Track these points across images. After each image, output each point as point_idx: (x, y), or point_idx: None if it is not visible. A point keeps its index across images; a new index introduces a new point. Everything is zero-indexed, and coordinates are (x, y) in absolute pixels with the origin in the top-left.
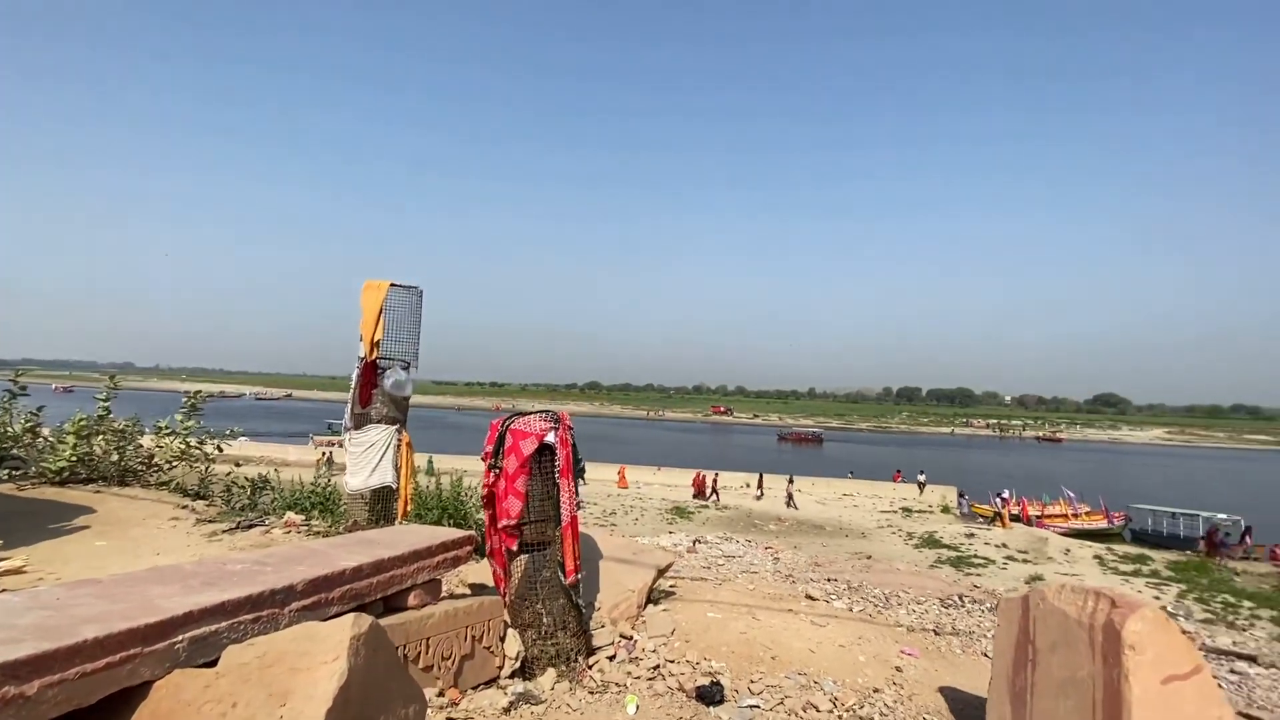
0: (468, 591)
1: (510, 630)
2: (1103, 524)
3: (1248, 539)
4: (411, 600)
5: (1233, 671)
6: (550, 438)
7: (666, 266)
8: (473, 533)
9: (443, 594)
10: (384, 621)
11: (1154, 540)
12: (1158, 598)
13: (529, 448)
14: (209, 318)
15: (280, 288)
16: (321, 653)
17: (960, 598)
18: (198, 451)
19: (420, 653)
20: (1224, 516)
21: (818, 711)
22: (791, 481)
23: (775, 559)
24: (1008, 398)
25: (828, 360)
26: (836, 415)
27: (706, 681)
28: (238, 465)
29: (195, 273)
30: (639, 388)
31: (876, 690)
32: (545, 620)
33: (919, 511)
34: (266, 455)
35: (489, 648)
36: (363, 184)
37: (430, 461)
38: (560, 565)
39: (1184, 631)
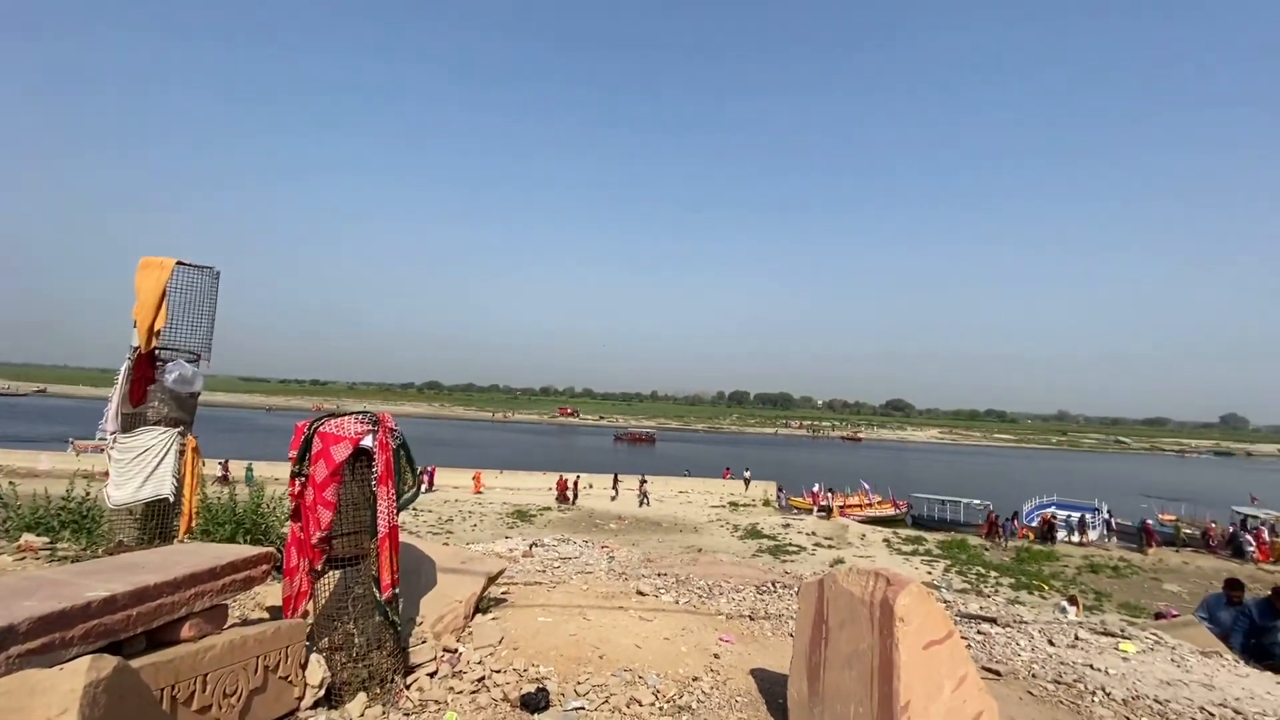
0: (265, 616)
1: (314, 655)
2: (891, 511)
3: (1015, 522)
4: (186, 632)
5: (979, 632)
6: (367, 441)
7: (517, 269)
8: (271, 550)
9: (233, 620)
10: (144, 660)
11: (929, 524)
12: (929, 573)
13: (341, 453)
14: None
15: (25, 263)
16: (42, 708)
17: (773, 584)
18: None
19: (195, 692)
20: (978, 502)
21: (640, 706)
22: (645, 481)
23: (610, 557)
24: (820, 401)
25: (668, 365)
26: (675, 417)
27: (532, 688)
28: None
29: None
30: (483, 388)
31: (695, 679)
32: (357, 640)
33: (744, 505)
34: (7, 464)
35: (286, 677)
36: (143, 145)
37: (250, 470)
38: (375, 580)
39: (944, 602)
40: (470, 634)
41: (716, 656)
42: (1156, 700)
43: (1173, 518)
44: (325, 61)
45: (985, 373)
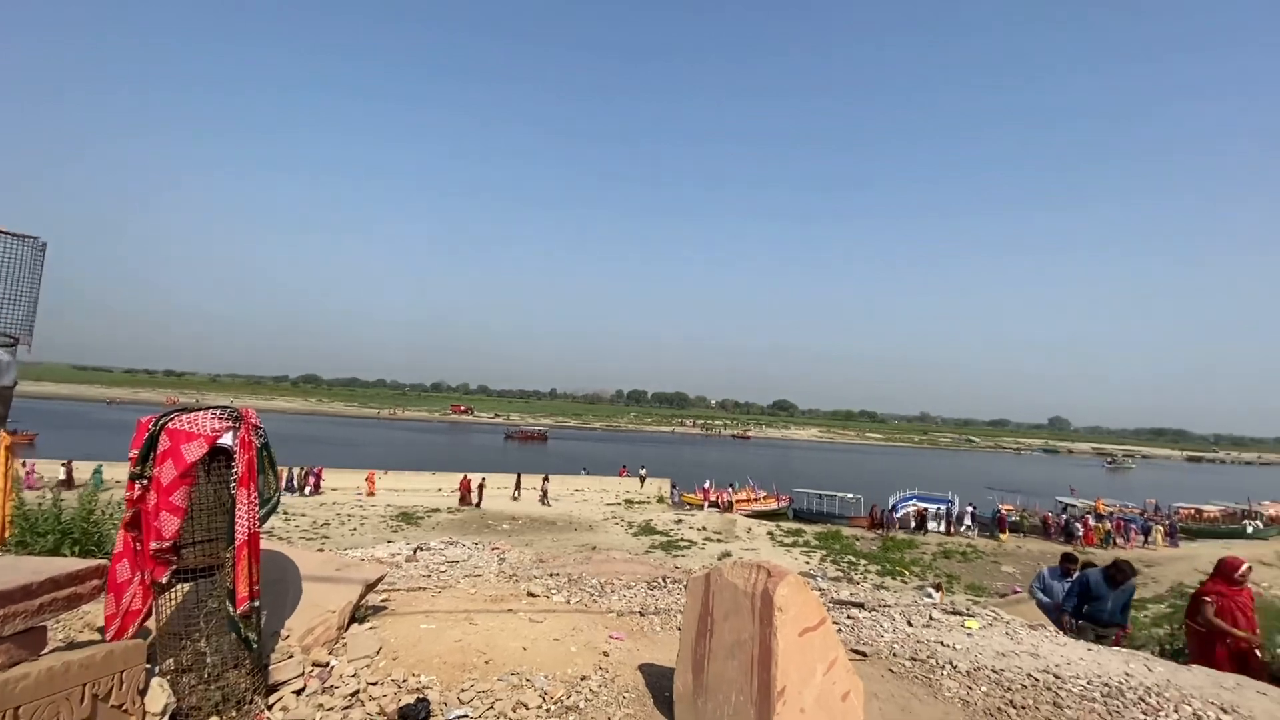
0: (96, 638)
1: (156, 680)
2: (775, 506)
3: (893, 514)
4: None
5: (849, 617)
6: (227, 439)
7: (407, 256)
8: (102, 563)
9: (55, 644)
10: None
11: (809, 517)
12: (807, 563)
13: (194, 452)
14: None
15: None
16: None
17: (664, 579)
18: None
19: None
20: (851, 496)
21: (527, 709)
22: (547, 480)
23: (501, 559)
24: (714, 401)
25: (569, 364)
26: (574, 415)
27: (412, 699)
28: None
29: None
30: (368, 383)
31: (584, 678)
32: (210, 660)
33: (639, 502)
34: None
35: (121, 706)
36: None
37: (98, 472)
38: (230, 592)
39: (819, 590)
40: (344, 646)
41: (606, 654)
42: (994, 670)
43: (1010, 507)
44: None
45: (860, 376)
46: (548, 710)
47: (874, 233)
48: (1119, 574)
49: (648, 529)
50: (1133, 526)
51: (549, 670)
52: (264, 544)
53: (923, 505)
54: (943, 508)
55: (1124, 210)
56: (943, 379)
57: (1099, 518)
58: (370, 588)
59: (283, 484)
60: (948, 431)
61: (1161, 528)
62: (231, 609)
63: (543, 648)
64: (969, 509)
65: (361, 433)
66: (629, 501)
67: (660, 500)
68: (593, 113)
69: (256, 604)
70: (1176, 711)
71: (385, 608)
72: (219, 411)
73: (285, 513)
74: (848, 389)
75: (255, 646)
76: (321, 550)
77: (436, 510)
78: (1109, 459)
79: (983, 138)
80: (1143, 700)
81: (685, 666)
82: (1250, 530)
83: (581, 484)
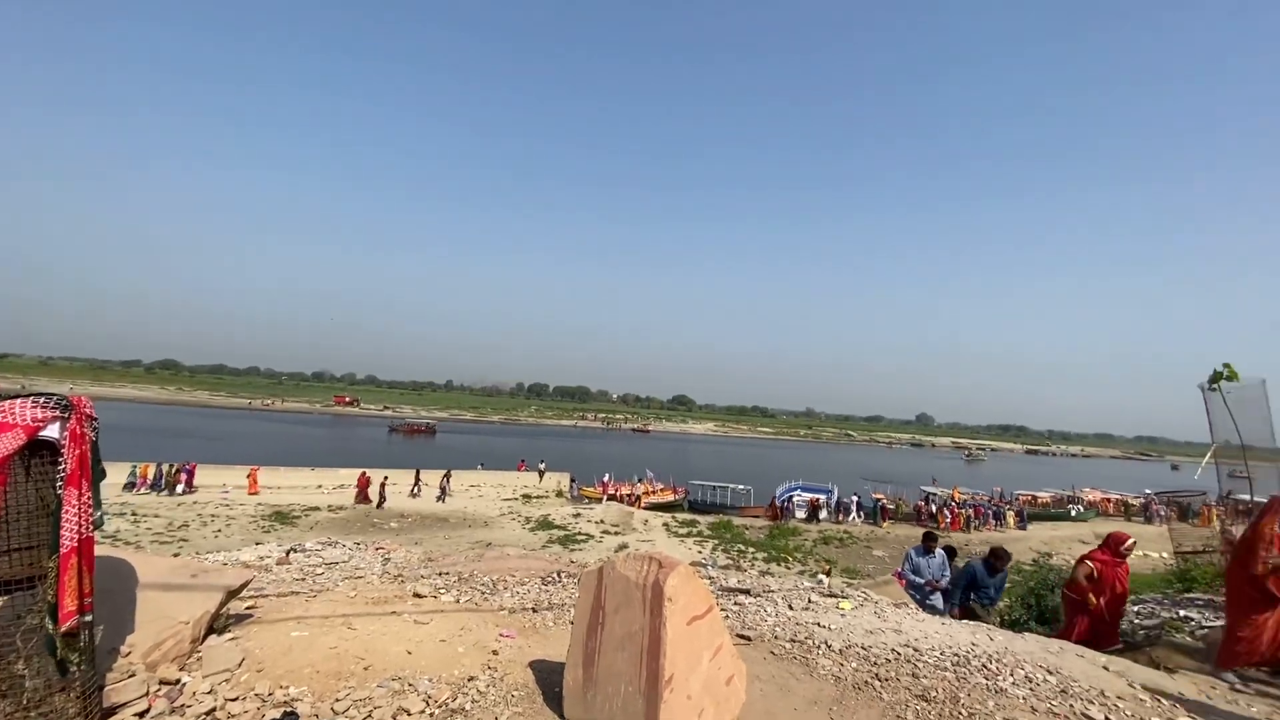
0: None
1: None
2: (672, 498)
3: (791, 504)
4: None
5: (736, 604)
6: (52, 431)
7: (288, 232)
8: None
9: None
10: None
11: (703, 508)
12: (699, 552)
13: (8, 444)
14: None
15: None
16: None
17: (559, 574)
18: None
19: None
20: (742, 487)
21: (409, 715)
22: (448, 476)
23: (386, 559)
24: (615, 395)
25: (466, 356)
26: (471, 408)
27: (278, 714)
28: None
29: None
30: (239, 371)
31: (472, 678)
32: (30, 684)
33: (538, 497)
34: None
35: None
36: None
37: None
38: (52, 607)
39: (708, 579)
40: (200, 660)
41: (496, 653)
42: (863, 647)
43: (881, 496)
44: None
45: (753, 374)
46: (431, 715)
47: (759, 237)
48: (998, 561)
49: (545, 524)
50: (989, 512)
51: (434, 673)
52: (105, 550)
53: (815, 495)
54: (823, 497)
55: (972, 218)
56: (827, 378)
57: (960, 505)
58: (233, 595)
59: (148, 481)
60: (830, 427)
61: (1013, 513)
62: (52, 626)
63: (428, 650)
64: (854, 499)
65: (232, 425)
66: (527, 496)
67: (559, 494)
68: (488, 101)
69: (89, 619)
70: (1012, 674)
71: (251, 616)
72: (43, 399)
73: (134, 514)
74: (742, 386)
75: (74, 669)
76: (177, 555)
77: (315, 509)
78: (966, 452)
79: (862, 144)
80: (985, 667)
81: (576, 661)
82: (1074, 513)
83: (478, 479)
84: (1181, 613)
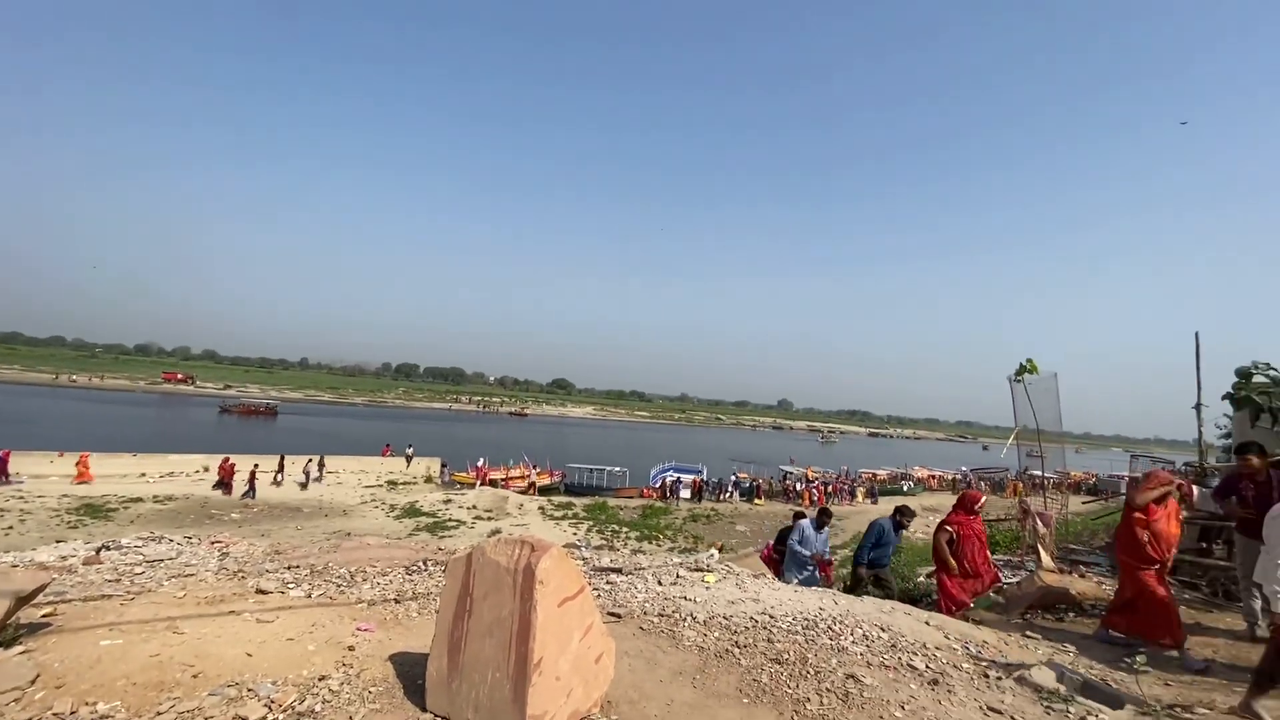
0: None
1: None
2: (548, 481)
3: (679, 485)
4: None
5: (607, 582)
6: None
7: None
8: None
9: None
10: None
11: (580, 490)
12: (574, 534)
13: None
14: None
15: None
16: None
17: (425, 562)
18: None
19: None
20: (618, 468)
21: None
22: (321, 465)
23: (224, 554)
24: (492, 378)
25: (325, 331)
26: (330, 389)
27: None
28: None
29: None
30: (40, 341)
31: (323, 677)
32: None
33: (404, 483)
34: None
35: None
36: None
37: None
38: None
39: (582, 559)
40: None
41: (351, 649)
42: (725, 617)
43: (746, 475)
44: None
45: (631, 359)
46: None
47: (637, 225)
48: (904, 519)
49: (412, 511)
50: (844, 488)
51: (279, 675)
52: None
53: (696, 476)
54: (694, 477)
55: (824, 215)
56: (699, 364)
57: (810, 483)
58: (23, 601)
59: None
60: (702, 411)
61: (864, 488)
62: None
63: (273, 651)
64: (732, 478)
65: (30, 404)
66: (392, 483)
67: (429, 480)
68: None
69: None
70: (852, 634)
71: (49, 625)
72: None
73: None
74: (621, 371)
75: None
76: None
77: (138, 500)
78: (821, 435)
79: (746, 137)
80: (830, 628)
81: (441, 650)
82: (906, 488)
83: (336, 465)
84: None
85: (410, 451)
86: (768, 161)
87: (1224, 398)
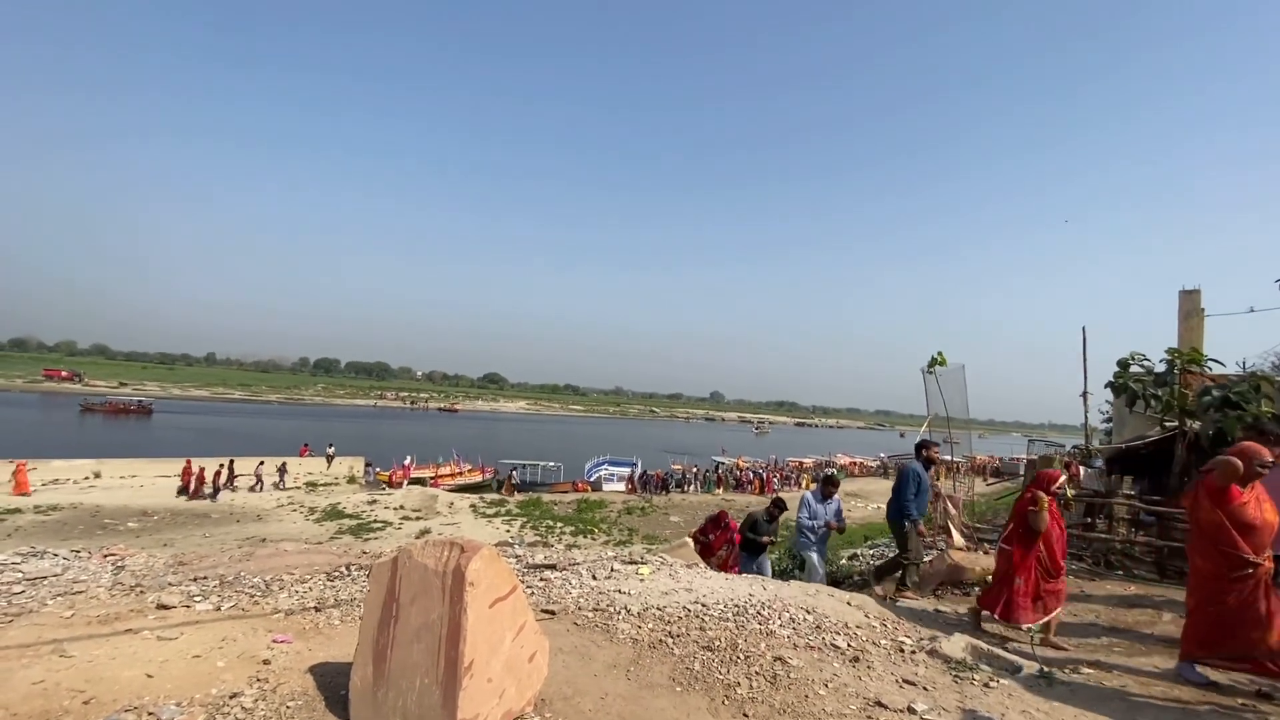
0: None
1: None
2: (479, 478)
3: (649, 476)
4: None
5: (541, 580)
6: None
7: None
8: None
9: None
10: None
11: (514, 487)
12: (507, 531)
13: None
14: None
15: None
16: None
17: (349, 567)
18: None
19: None
20: (552, 464)
21: None
22: (230, 463)
23: (119, 567)
24: (420, 373)
25: (233, 324)
26: (240, 385)
27: None
28: None
29: None
30: None
31: (235, 695)
32: None
33: (325, 485)
34: None
35: None
36: None
37: None
38: None
39: (515, 558)
40: None
41: (267, 662)
42: (659, 608)
43: (680, 466)
44: None
45: (565, 352)
46: None
47: (558, 213)
48: (930, 463)
49: (334, 513)
50: (789, 476)
51: (185, 695)
52: None
53: (628, 469)
54: (628, 470)
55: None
56: (633, 356)
57: (741, 471)
58: None
59: None
60: (636, 404)
61: (807, 476)
62: None
63: (177, 670)
64: (694, 469)
65: None
66: (311, 485)
67: (352, 481)
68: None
69: None
70: (779, 618)
71: None
72: None
73: None
74: (555, 365)
75: None
76: None
77: (15, 511)
78: (755, 426)
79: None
80: (759, 613)
81: (365, 659)
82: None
83: (245, 467)
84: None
85: (331, 451)
86: (700, 146)
87: (1106, 385)
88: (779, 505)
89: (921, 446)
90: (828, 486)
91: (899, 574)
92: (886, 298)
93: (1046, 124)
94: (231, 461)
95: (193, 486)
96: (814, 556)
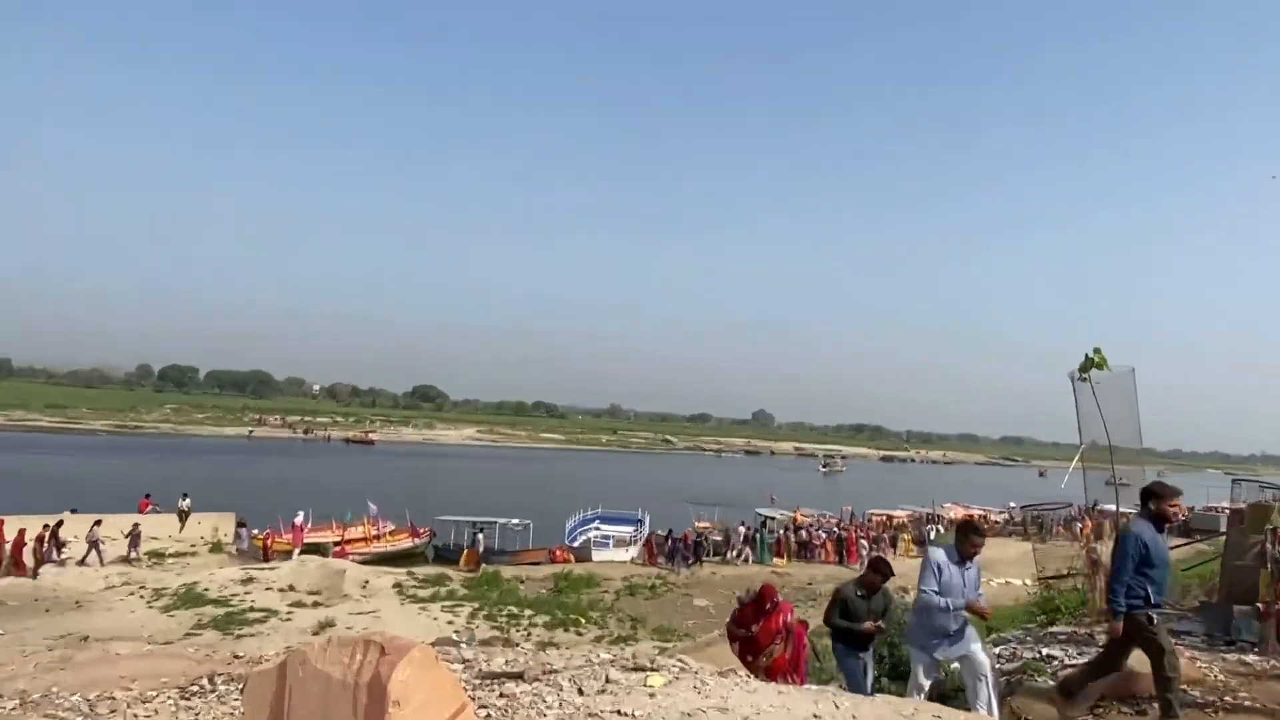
0: None
1: None
2: (408, 543)
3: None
4: None
5: (501, 695)
6: None
7: None
8: None
9: None
10: None
11: (457, 555)
12: (450, 623)
13: None
14: None
15: None
16: None
17: (212, 679)
18: None
19: None
20: (516, 522)
21: None
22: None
23: None
24: (316, 387)
25: (38, 320)
26: (50, 407)
27: None
28: None
29: None
30: None
31: None
32: None
33: (178, 554)
34: None
35: None
36: None
37: None
38: None
39: (463, 661)
40: None
41: None
42: None
43: (707, 524)
44: None
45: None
46: None
47: (530, 194)
48: (1164, 524)
49: (191, 597)
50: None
51: None
52: None
53: (629, 528)
54: (630, 529)
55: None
56: (637, 358)
57: (797, 529)
58: None
59: None
60: (641, 428)
61: (907, 536)
62: None
63: None
64: (741, 529)
65: None
66: (157, 554)
67: (216, 549)
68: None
69: None
70: None
71: None
72: None
73: None
74: (517, 372)
75: None
76: None
77: None
78: (823, 463)
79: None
80: None
81: None
82: (933, 535)
83: (67, 531)
84: (1045, 651)
85: (185, 504)
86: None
87: None
88: (880, 569)
89: (1149, 496)
90: (968, 541)
91: (1085, 690)
92: (1018, 274)
93: None
94: (58, 523)
95: (17, 559)
96: (924, 658)
